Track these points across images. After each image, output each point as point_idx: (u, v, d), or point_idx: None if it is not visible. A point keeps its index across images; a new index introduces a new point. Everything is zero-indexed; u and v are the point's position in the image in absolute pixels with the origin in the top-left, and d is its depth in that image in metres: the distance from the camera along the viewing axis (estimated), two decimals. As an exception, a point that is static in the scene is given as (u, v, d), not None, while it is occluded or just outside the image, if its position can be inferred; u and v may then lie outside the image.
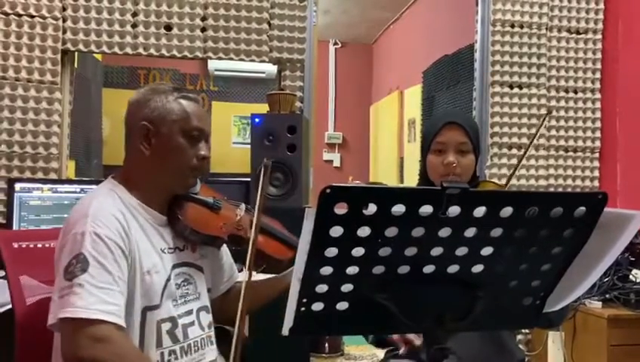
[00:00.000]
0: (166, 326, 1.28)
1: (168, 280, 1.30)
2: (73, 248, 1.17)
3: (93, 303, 1.12)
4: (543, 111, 3.10)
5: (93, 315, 1.11)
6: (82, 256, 1.15)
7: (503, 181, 3.01)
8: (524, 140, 3.07)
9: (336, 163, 6.78)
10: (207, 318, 1.38)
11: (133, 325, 1.23)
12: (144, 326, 1.25)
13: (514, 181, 3.06)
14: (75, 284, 1.13)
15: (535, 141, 3.04)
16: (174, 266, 1.33)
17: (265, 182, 1.30)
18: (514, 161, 3.06)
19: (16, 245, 1.49)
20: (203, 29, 2.84)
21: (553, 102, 3.12)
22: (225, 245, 1.50)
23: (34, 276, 1.45)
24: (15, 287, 1.42)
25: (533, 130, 3.08)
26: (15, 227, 2.38)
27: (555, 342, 2.64)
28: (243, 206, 1.49)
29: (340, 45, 6.78)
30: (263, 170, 1.31)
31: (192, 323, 1.33)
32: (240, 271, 1.59)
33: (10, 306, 1.78)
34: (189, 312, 1.34)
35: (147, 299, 1.25)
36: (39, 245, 1.52)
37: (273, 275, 1.49)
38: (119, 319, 1.15)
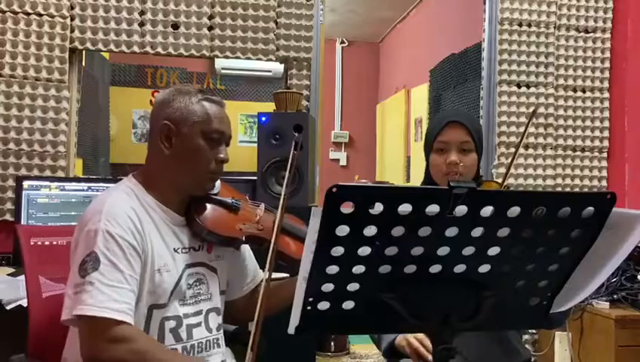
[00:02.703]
0: (170, 324, 1.28)
1: (179, 280, 1.30)
2: (87, 245, 1.19)
3: (102, 301, 1.14)
4: (551, 110, 3.08)
5: (102, 313, 1.13)
6: (94, 254, 1.17)
7: (510, 180, 3.00)
8: (532, 139, 3.06)
9: (343, 162, 6.78)
10: (216, 320, 1.38)
11: (138, 321, 1.24)
12: (149, 323, 1.26)
13: (521, 180, 3.05)
14: (86, 282, 1.15)
15: (525, 140, 3.00)
16: (188, 266, 1.33)
17: (294, 161, 1.31)
18: (521, 160, 3.05)
19: (33, 242, 1.51)
20: (210, 28, 2.84)
21: (561, 102, 3.10)
22: (247, 246, 1.50)
23: (44, 273, 1.47)
24: (32, 283, 1.44)
25: (541, 130, 3.07)
26: (22, 224, 2.39)
27: (562, 343, 2.62)
28: (263, 206, 1.49)
29: (346, 44, 6.77)
30: (293, 147, 1.32)
31: (198, 324, 1.33)
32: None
33: (18, 303, 1.80)
34: (198, 313, 1.34)
35: (155, 297, 1.26)
36: (47, 242, 1.54)
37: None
38: (129, 317, 1.17)
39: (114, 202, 1.25)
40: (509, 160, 2.86)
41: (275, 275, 1.62)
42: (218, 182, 1.42)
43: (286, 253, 1.39)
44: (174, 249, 1.32)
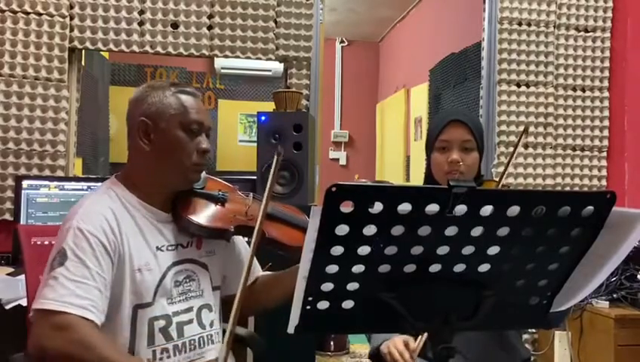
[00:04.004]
0: (159, 324, 1.27)
1: (163, 278, 1.29)
2: (59, 242, 1.20)
3: (64, 296, 1.13)
4: (551, 109, 3.08)
5: (61, 308, 1.12)
6: (63, 249, 1.18)
7: (510, 180, 3.00)
8: (531, 139, 3.06)
9: (343, 161, 6.78)
10: (208, 317, 1.37)
11: (122, 322, 1.24)
12: (135, 324, 1.25)
13: (520, 180, 3.04)
14: (51, 277, 1.15)
15: (524, 139, 3.02)
16: (175, 263, 1.32)
17: (275, 172, 1.29)
18: (520, 159, 3.05)
19: (33, 241, 1.51)
20: (210, 27, 2.84)
21: (561, 101, 3.10)
22: (243, 240, 1.49)
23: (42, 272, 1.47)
24: (32, 283, 1.44)
25: (540, 129, 3.07)
26: (22, 224, 2.39)
27: (561, 342, 2.62)
28: (251, 195, 1.48)
29: (346, 43, 6.77)
30: (275, 158, 1.29)
31: (189, 321, 1.32)
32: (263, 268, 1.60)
33: (17, 303, 1.81)
34: (189, 310, 1.33)
35: (138, 297, 1.25)
36: (46, 242, 1.54)
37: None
38: (90, 314, 1.15)
39: (92, 203, 1.26)
40: (503, 169, 2.85)
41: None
42: (203, 175, 1.41)
43: (283, 241, 1.38)
44: (157, 247, 1.30)
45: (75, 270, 1.16)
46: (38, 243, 1.53)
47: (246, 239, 1.52)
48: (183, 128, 1.30)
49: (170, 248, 1.33)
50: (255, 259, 1.55)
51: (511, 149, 3.02)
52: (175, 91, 1.33)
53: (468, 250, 0.82)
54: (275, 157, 1.28)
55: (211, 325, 1.38)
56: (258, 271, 1.56)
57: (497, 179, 1.61)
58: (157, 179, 1.32)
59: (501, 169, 2.99)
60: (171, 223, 1.35)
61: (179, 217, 1.34)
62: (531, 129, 3.05)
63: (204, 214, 1.35)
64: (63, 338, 1.11)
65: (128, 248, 1.25)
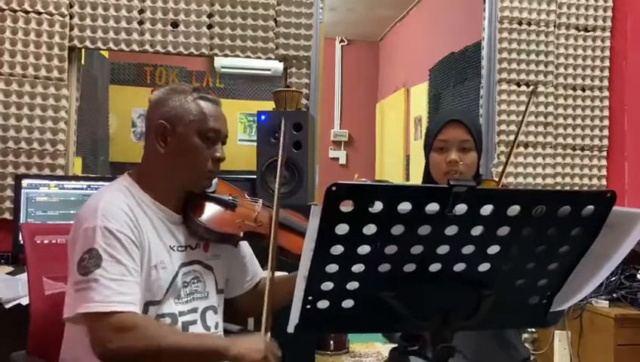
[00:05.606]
0: (165, 321, 1.28)
1: (175, 277, 1.30)
2: (85, 243, 1.19)
3: (109, 296, 1.15)
4: (551, 109, 3.08)
5: (110, 308, 1.14)
6: (95, 250, 1.18)
7: (510, 179, 3.00)
8: (531, 138, 3.06)
9: (342, 160, 6.78)
10: (213, 318, 1.38)
11: None
12: None
13: (520, 179, 3.04)
14: (90, 279, 1.16)
15: (525, 138, 3.01)
16: (184, 264, 1.33)
17: (280, 176, 1.30)
18: (521, 158, 3.05)
19: (38, 240, 1.51)
20: (209, 26, 2.84)
21: (561, 100, 3.10)
22: (247, 243, 1.50)
23: (47, 271, 1.47)
24: (34, 281, 1.45)
25: (540, 128, 3.07)
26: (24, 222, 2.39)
27: (561, 342, 2.62)
28: (261, 202, 1.49)
29: (346, 43, 6.76)
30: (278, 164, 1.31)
31: (194, 322, 1.33)
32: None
33: (17, 302, 1.81)
34: (194, 310, 1.34)
35: (151, 294, 1.26)
36: (46, 241, 1.54)
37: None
38: (135, 307, 1.18)
39: (109, 199, 1.26)
40: (510, 147, 2.82)
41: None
42: (215, 180, 1.42)
43: (288, 248, 1.39)
44: (170, 247, 1.32)
45: (113, 269, 1.17)
46: (40, 241, 1.53)
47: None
48: (200, 135, 1.31)
49: (180, 249, 1.34)
50: (257, 262, 1.56)
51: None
52: (196, 97, 1.33)
53: (468, 249, 0.82)
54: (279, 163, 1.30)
55: (216, 326, 1.38)
56: (261, 273, 1.57)
57: (497, 179, 1.61)
58: (168, 182, 1.33)
59: (501, 168, 2.99)
60: (182, 225, 1.36)
61: (190, 220, 1.35)
62: (531, 128, 3.05)
63: (214, 218, 1.36)
64: (130, 338, 1.13)
65: (148, 243, 1.27)
